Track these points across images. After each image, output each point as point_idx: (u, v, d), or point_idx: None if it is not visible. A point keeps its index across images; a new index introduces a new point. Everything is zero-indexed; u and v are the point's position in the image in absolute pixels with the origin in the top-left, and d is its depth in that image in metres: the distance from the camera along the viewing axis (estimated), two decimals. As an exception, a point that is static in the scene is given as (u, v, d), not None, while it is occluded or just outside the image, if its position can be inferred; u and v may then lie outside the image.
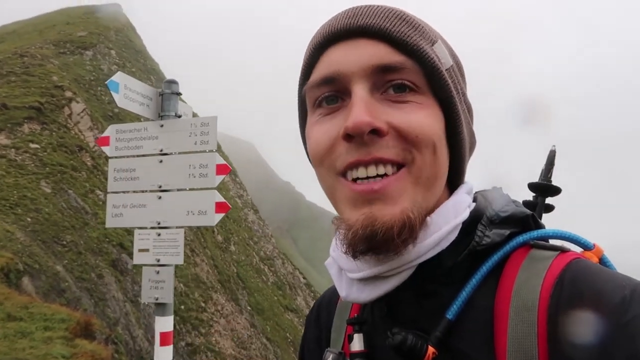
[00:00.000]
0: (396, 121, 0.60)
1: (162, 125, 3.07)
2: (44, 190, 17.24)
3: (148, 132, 3.08)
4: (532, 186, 0.86)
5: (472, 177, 0.75)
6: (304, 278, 39.71)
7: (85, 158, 20.41)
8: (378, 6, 0.64)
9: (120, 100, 2.87)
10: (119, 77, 2.88)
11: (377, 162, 0.60)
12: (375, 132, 0.59)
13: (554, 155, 0.86)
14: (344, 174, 0.62)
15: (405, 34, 0.62)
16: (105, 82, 2.83)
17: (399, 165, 0.61)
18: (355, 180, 0.61)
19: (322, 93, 0.64)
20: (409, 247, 0.61)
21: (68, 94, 21.65)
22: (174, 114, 3.10)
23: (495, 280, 0.62)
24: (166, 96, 3.11)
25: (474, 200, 0.70)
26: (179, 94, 3.14)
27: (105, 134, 3.17)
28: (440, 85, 0.63)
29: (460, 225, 0.64)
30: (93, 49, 28.35)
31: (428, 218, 0.63)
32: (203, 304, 22.03)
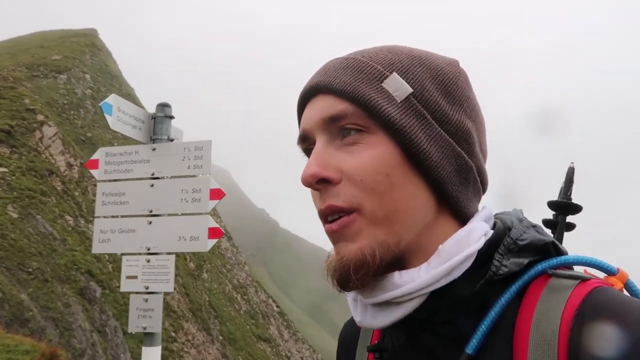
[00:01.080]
0: (345, 167, 0.64)
1: (154, 149, 3.02)
2: (10, 215, 16.67)
3: (139, 156, 3.02)
4: (552, 204, 0.86)
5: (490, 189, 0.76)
6: (277, 306, 39.14)
7: (56, 183, 19.91)
8: (333, 61, 0.71)
9: (114, 122, 2.82)
10: (112, 100, 2.84)
11: (331, 209, 0.64)
12: (327, 181, 0.64)
13: (573, 172, 0.86)
14: (322, 221, 0.68)
15: (344, 82, 0.66)
16: (99, 104, 2.78)
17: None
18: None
19: (304, 148, 0.72)
20: (393, 277, 0.64)
21: (40, 117, 21.22)
22: (166, 138, 3.06)
23: (514, 311, 0.62)
24: (159, 119, 3.07)
25: (494, 226, 0.69)
26: (171, 117, 3.10)
27: (94, 156, 3.09)
28: (382, 121, 0.64)
29: (475, 254, 0.63)
30: (67, 72, 28.04)
31: (440, 246, 0.64)
32: (173, 334, 21.39)
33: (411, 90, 0.66)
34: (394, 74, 0.67)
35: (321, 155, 0.65)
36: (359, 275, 0.62)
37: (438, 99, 0.67)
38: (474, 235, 0.65)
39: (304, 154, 0.73)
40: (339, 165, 0.64)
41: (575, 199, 0.87)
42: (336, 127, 0.66)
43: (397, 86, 0.66)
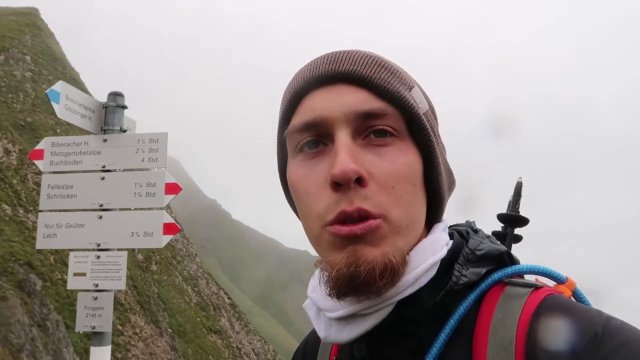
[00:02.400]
0: (375, 171, 0.61)
1: (105, 140, 2.87)
2: (-60, 204, 15.62)
3: (89, 147, 2.86)
4: (501, 217, 0.90)
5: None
6: (228, 298, 38.81)
7: (-9, 170, 18.78)
8: (357, 52, 0.66)
9: (61, 111, 2.64)
10: (60, 87, 2.66)
11: (360, 213, 0.59)
12: (359, 181, 0.60)
13: (521, 187, 0.90)
14: (331, 223, 0.62)
15: (386, 80, 0.64)
16: (45, 92, 2.61)
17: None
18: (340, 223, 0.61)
19: (303, 138, 0.65)
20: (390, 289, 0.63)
21: (-26, 99, 19.90)
22: (118, 129, 2.92)
23: (473, 319, 0.63)
24: (110, 109, 2.91)
25: (451, 236, 0.71)
26: (124, 107, 2.95)
27: (38, 146, 2.90)
28: (420, 130, 0.65)
29: (439, 263, 0.65)
30: (5, 53, 26.43)
31: (406, 257, 0.64)
32: (120, 327, 20.79)
33: (427, 107, 0.68)
34: (416, 87, 0.67)
35: (353, 150, 0.61)
36: (384, 281, 0.59)
37: (434, 121, 0.70)
38: (437, 245, 0.66)
39: (297, 147, 0.66)
40: (367, 166, 0.61)
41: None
42: (364, 125, 0.62)
43: (420, 99, 0.66)
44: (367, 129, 0.63)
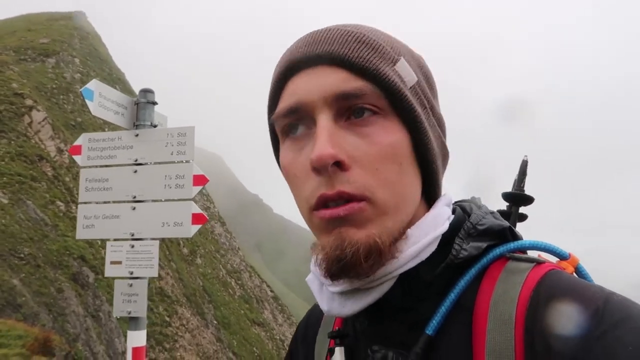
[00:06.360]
0: (357, 154, 0.60)
1: (137, 135, 3.01)
2: (0, 200, 16.58)
3: (122, 142, 3.01)
4: (505, 196, 0.88)
5: (458, 181, 0.75)
6: (271, 291, 39.38)
7: (46, 168, 19.77)
8: (337, 29, 0.64)
9: (95, 108, 2.80)
10: (93, 85, 2.82)
11: (341, 196, 0.59)
12: (339, 165, 0.59)
13: (526, 165, 0.88)
14: (316, 207, 0.61)
15: (364, 58, 0.62)
16: (80, 90, 2.76)
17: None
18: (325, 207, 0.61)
19: (287, 123, 0.64)
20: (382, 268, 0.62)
21: (28, 101, 20.99)
22: (149, 124, 3.05)
23: (473, 293, 0.63)
24: (142, 105, 3.06)
25: (453, 212, 0.70)
26: (154, 103, 3.08)
27: (77, 142, 3.08)
28: (403, 107, 0.63)
29: (440, 238, 0.64)
30: (56, 56, 27.71)
31: (408, 230, 0.64)
32: (168, 319, 21.52)
33: (417, 78, 0.66)
34: (402, 59, 0.65)
35: (334, 134, 0.60)
36: (369, 262, 0.59)
37: (427, 90, 0.68)
38: (439, 220, 0.66)
39: (281, 131, 0.66)
40: (349, 149, 0.60)
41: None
42: (345, 106, 0.61)
43: (406, 72, 0.65)
44: (348, 109, 0.61)
